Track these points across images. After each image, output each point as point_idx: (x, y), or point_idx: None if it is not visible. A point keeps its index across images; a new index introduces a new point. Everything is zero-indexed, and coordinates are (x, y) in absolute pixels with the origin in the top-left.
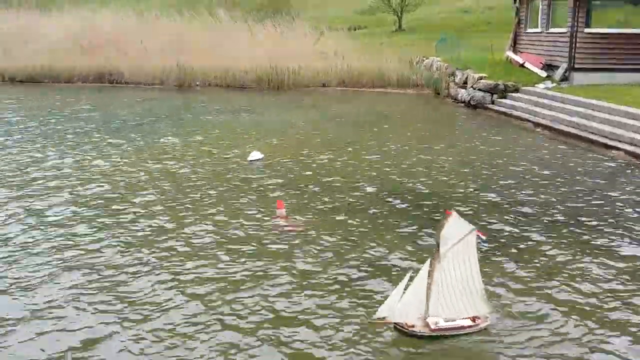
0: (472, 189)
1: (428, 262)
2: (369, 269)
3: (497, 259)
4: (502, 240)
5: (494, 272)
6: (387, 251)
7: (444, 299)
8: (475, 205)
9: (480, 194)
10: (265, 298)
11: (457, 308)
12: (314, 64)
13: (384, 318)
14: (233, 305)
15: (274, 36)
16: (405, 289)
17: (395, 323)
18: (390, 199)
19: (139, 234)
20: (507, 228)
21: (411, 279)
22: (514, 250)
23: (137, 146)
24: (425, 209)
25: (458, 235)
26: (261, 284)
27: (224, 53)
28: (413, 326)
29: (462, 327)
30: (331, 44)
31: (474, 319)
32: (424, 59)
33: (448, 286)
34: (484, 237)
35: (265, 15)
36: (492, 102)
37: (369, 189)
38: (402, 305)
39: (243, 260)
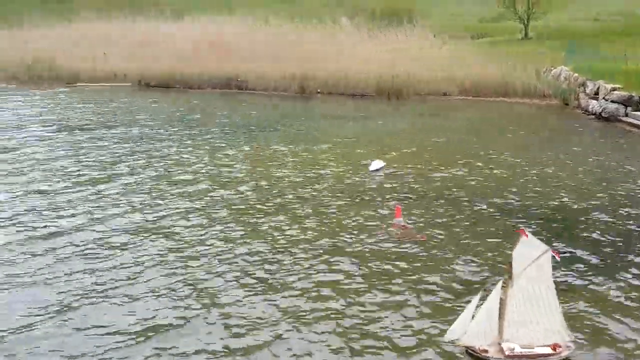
0: (606, 213)
1: (500, 282)
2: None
3: (596, 281)
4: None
5: (588, 295)
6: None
7: (519, 322)
8: (611, 233)
9: (620, 221)
10: (377, 305)
11: (535, 334)
12: (435, 72)
13: (455, 340)
14: (355, 307)
15: (395, 44)
16: (476, 309)
17: (466, 346)
18: (510, 214)
19: (268, 244)
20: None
21: (482, 298)
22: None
23: (256, 152)
24: (552, 226)
25: (532, 256)
26: (374, 292)
27: (345, 61)
28: (486, 351)
29: (541, 355)
30: (453, 51)
31: (554, 347)
32: (552, 68)
33: (523, 309)
34: (558, 258)
35: (387, 23)
36: (626, 115)
37: (491, 202)
38: (474, 327)
39: (363, 266)
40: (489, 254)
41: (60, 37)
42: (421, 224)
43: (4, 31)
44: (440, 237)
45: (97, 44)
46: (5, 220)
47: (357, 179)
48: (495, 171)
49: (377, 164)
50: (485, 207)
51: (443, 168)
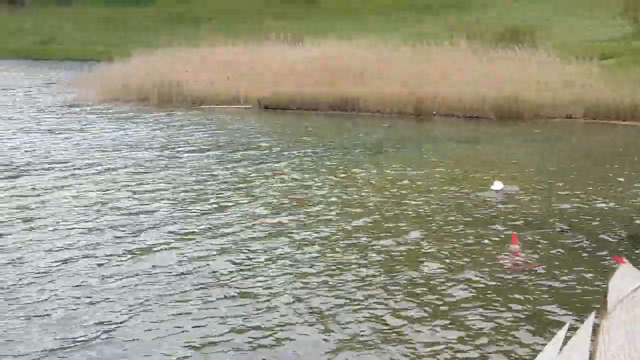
0: None
1: (592, 315)
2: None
3: None
4: None
5: None
6: None
7: None
8: None
9: None
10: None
11: None
12: (558, 94)
13: None
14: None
15: (514, 65)
16: (563, 344)
17: None
18: (634, 246)
19: (385, 265)
20: None
21: (571, 329)
22: None
23: (375, 174)
24: None
25: (631, 286)
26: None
27: (462, 82)
28: None
29: None
30: (578, 72)
31: None
32: None
33: (617, 346)
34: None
35: (507, 43)
36: None
37: (614, 233)
38: None
39: (473, 293)
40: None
41: (188, 61)
42: (536, 252)
43: (139, 56)
44: (555, 264)
45: (222, 67)
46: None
47: (474, 202)
48: (620, 202)
49: (498, 185)
50: (607, 237)
51: (564, 195)
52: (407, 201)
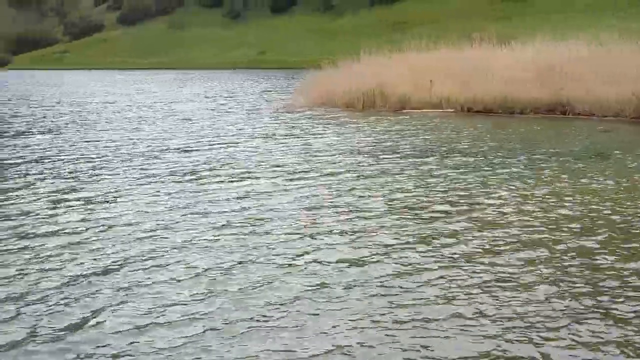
0: None
1: None
2: None
3: None
4: None
5: None
6: None
7: None
8: None
9: None
10: None
11: None
12: None
13: None
14: None
15: None
16: None
17: None
18: None
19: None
20: None
21: None
22: None
23: (604, 184)
24: None
25: None
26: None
27: None
28: None
29: None
30: None
31: None
32: None
33: None
34: None
35: None
36: None
37: None
38: None
39: None
40: None
41: (392, 67)
42: None
43: (345, 63)
44: None
45: (425, 71)
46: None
47: None
48: None
49: None
50: None
51: None
52: (604, 215)
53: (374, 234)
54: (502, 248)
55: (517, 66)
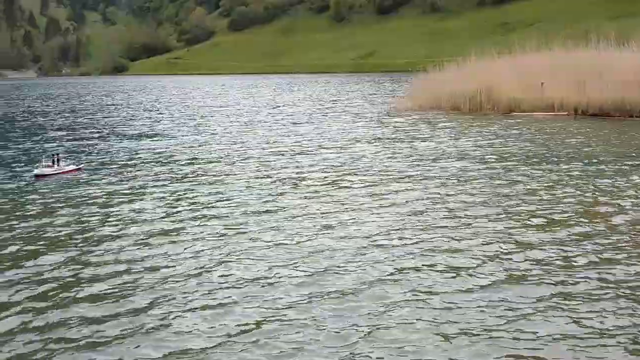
0: None
1: None
2: None
3: None
4: None
5: None
6: None
7: None
8: None
9: None
10: None
11: None
12: None
13: None
14: None
15: None
16: None
17: None
18: None
19: None
20: None
21: None
22: None
23: None
24: None
25: None
26: None
27: None
28: None
29: None
30: None
31: None
32: None
33: None
34: None
35: None
36: None
37: None
38: None
39: None
40: None
41: (501, 69)
42: None
43: (452, 66)
44: None
45: (535, 73)
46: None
47: None
48: None
49: None
50: None
51: None
52: None
53: (484, 242)
54: (630, 255)
55: (636, 67)
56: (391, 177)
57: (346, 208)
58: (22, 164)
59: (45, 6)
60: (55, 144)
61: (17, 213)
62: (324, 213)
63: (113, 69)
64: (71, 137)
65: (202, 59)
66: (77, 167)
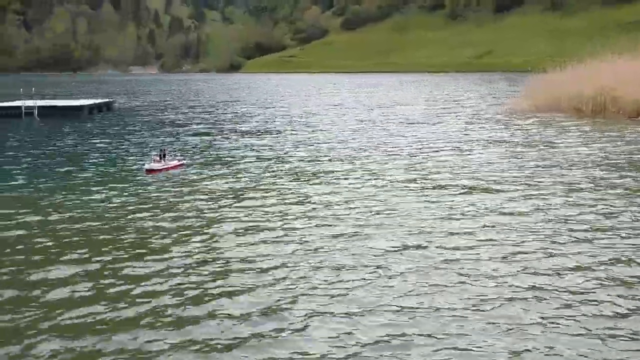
0: None
1: None
2: None
3: None
4: None
5: None
6: None
7: None
8: None
9: None
10: None
11: None
12: None
13: None
14: None
15: None
16: None
17: None
18: None
19: None
20: None
21: None
22: None
23: None
24: None
25: None
26: None
27: None
28: None
29: None
30: None
31: None
32: None
33: None
34: None
35: None
36: None
37: None
38: None
39: None
40: None
41: (626, 70)
42: None
43: (574, 66)
44: None
45: None
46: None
47: None
48: None
49: None
50: None
51: None
52: None
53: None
54: None
55: None
56: (521, 184)
57: (473, 215)
58: (135, 157)
59: (170, 5)
60: (164, 139)
61: (131, 207)
62: (444, 218)
63: (229, 67)
64: (182, 132)
65: (314, 57)
66: (180, 162)
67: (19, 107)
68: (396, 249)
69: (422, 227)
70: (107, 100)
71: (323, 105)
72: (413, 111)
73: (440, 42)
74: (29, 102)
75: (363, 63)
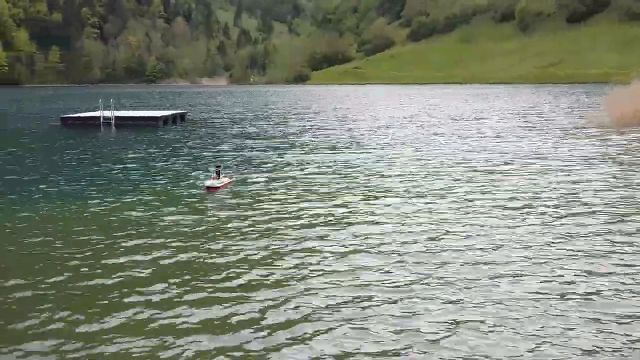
0: None
1: None
2: None
3: None
4: None
5: None
6: None
7: None
8: None
9: None
10: None
11: None
12: None
13: None
14: None
15: None
16: None
17: None
18: None
19: None
20: None
21: None
22: None
23: None
24: None
25: None
26: None
27: None
28: None
29: None
30: None
31: None
32: None
33: None
34: None
35: None
36: None
37: None
38: None
39: None
40: None
41: None
42: None
43: None
44: None
45: None
46: None
47: None
48: None
49: None
50: None
51: None
52: None
53: None
54: None
55: None
56: (623, 209)
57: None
58: (193, 173)
59: (239, 17)
60: (225, 154)
61: (196, 229)
62: (531, 244)
63: (296, 78)
64: (243, 146)
65: (380, 68)
66: (230, 180)
67: (97, 118)
68: (483, 268)
69: (507, 250)
70: (181, 111)
71: (395, 117)
72: (494, 124)
73: (509, 53)
74: (107, 113)
75: (428, 74)
